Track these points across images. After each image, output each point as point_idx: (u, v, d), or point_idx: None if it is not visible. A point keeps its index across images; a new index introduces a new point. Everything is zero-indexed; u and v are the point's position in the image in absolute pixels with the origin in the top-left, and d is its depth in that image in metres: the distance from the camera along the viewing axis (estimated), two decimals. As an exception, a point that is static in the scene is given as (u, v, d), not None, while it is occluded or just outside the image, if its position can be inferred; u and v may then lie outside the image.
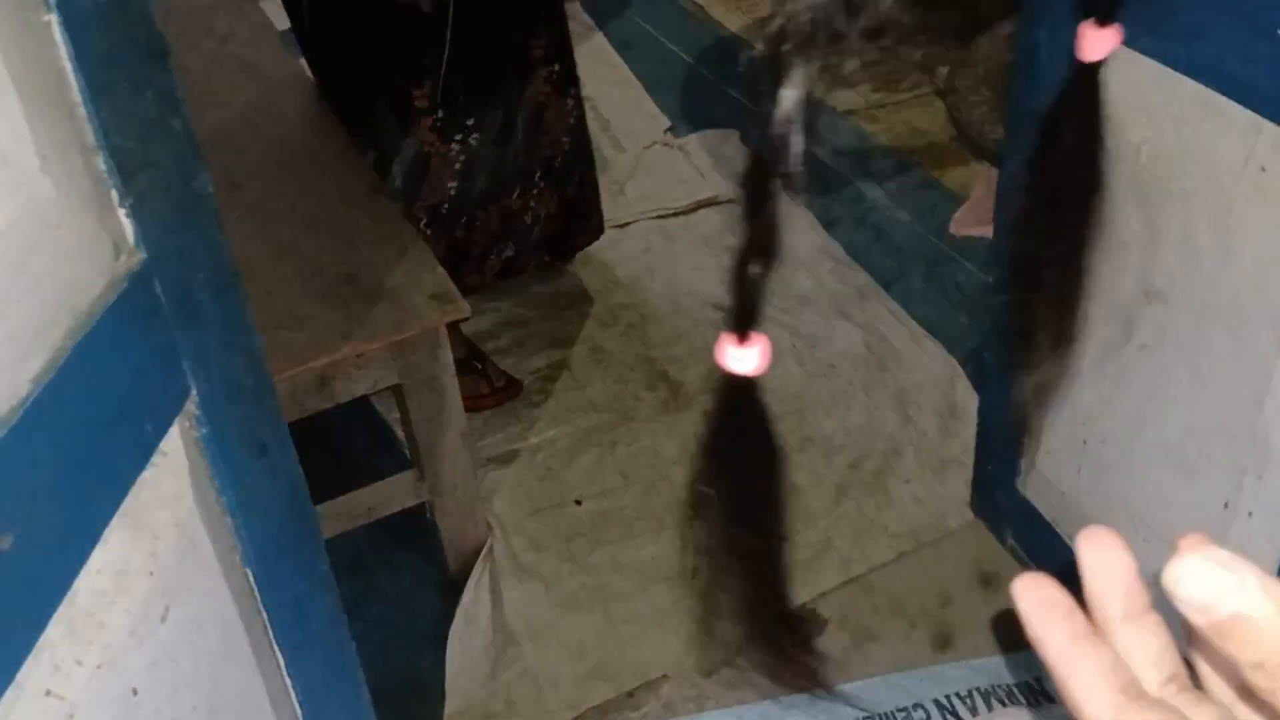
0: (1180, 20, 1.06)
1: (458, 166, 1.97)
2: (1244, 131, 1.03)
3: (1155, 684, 0.36)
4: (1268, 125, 1.01)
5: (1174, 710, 0.35)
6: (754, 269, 0.43)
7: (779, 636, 0.52)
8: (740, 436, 0.47)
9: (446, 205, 1.99)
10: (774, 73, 0.40)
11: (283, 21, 2.09)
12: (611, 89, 3.04)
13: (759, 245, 0.42)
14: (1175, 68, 1.09)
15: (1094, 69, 0.54)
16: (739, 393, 0.47)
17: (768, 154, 0.43)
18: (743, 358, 0.47)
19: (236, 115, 1.95)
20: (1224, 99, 1.05)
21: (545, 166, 2.10)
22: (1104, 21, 0.53)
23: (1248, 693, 0.35)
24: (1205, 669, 0.37)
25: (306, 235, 1.71)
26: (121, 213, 0.69)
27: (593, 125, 2.93)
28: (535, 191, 2.11)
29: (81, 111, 0.66)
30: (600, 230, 2.32)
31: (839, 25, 0.39)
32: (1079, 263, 0.56)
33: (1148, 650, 0.37)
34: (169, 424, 0.76)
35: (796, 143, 0.43)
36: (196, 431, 0.79)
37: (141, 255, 0.71)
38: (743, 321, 0.46)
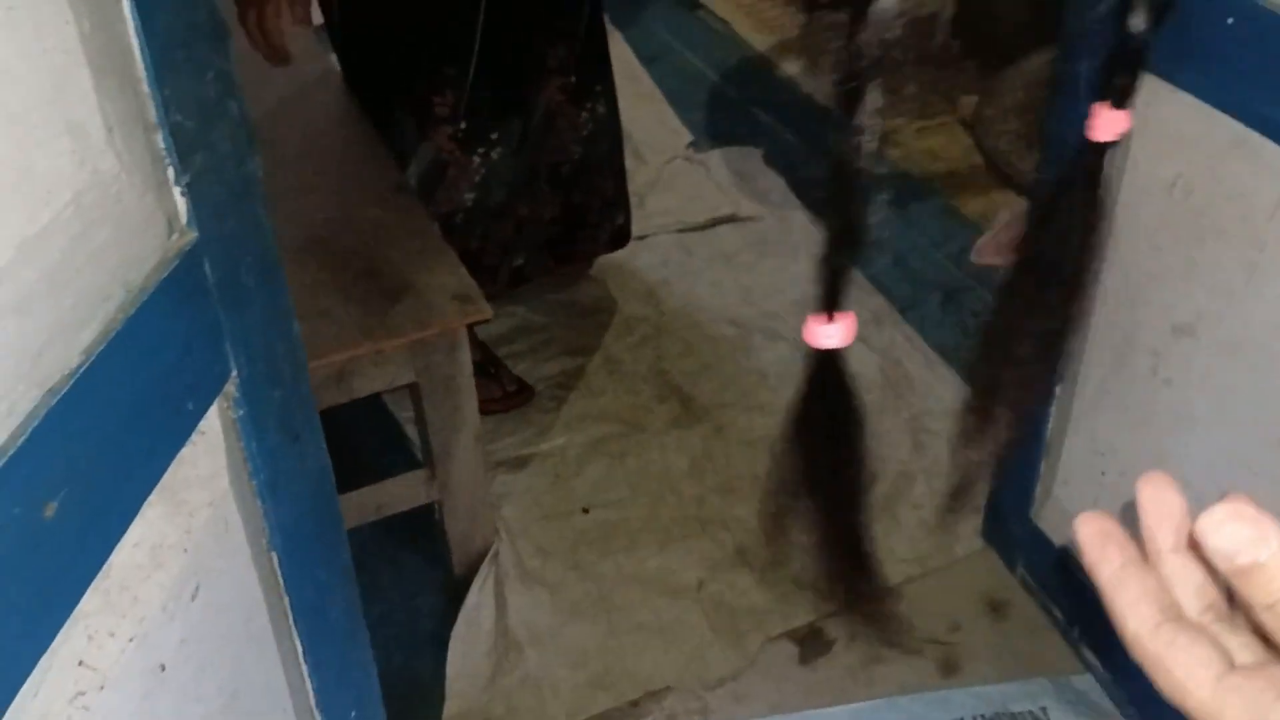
0: (1218, 57, 1.07)
1: (477, 179, 1.96)
2: (1278, 171, 1.04)
3: (1195, 611, 0.40)
4: (1304, 166, 1.02)
5: (1207, 632, 0.38)
6: (839, 259, 0.47)
7: (855, 572, 0.58)
8: (828, 401, 0.55)
9: (461, 215, 1.97)
10: (850, 89, 0.45)
11: (318, 16, 2.10)
12: (635, 101, 3.05)
13: (843, 238, 0.48)
14: (1212, 104, 1.09)
15: (1101, 150, 0.56)
16: (826, 364, 0.55)
17: (848, 156, 0.47)
18: (830, 334, 0.55)
19: (266, 108, 1.96)
20: (1260, 137, 1.06)
21: (551, 172, 2.08)
22: (1119, 105, 0.56)
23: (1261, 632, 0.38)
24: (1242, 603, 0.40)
25: (331, 230, 1.72)
26: (177, 191, 0.70)
27: (614, 136, 2.95)
28: (541, 196, 2.09)
29: (145, 89, 0.66)
30: (614, 244, 2.29)
31: (902, 52, 0.46)
32: (1056, 345, 0.60)
33: (1190, 581, 0.40)
34: (209, 403, 0.76)
35: (870, 145, 0.48)
36: (234, 413, 0.79)
37: (194, 234, 0.72)
38: (829, 304, 0.54)
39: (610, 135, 2.15)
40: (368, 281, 1.63)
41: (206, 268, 0.73)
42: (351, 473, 1.75)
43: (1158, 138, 1.15)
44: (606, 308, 2.37)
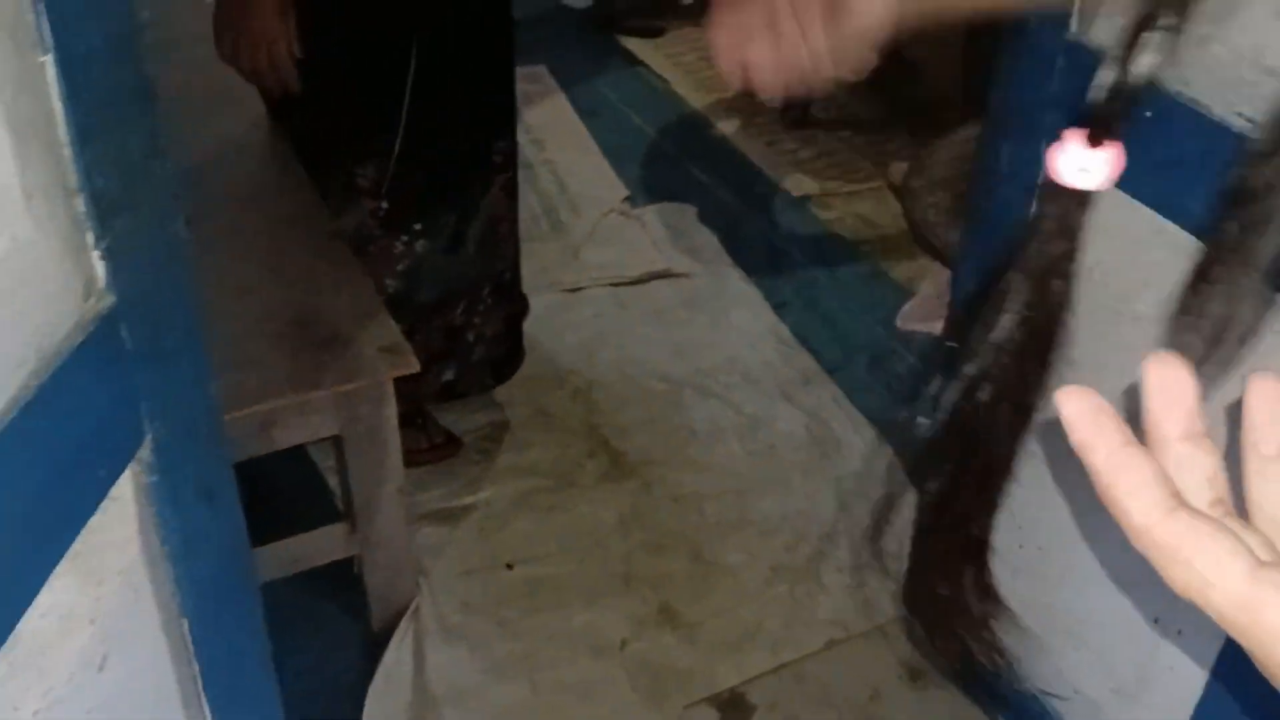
0: (1136, 149, 1.10)
1: (400, 268, 1.88)
2: (1193, 261, 1.07)
3: (1203, 504, 0.36)
4: (1216, 257, 1.05)
5: (1221, 524, 0.34)
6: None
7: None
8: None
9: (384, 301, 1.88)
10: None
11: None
12: (573, 154, 3.07)
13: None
14: (1130, 194, 1.13)
15: (1070, 200, 0.43)
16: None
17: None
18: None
19: (203, 150, 1.94)
20: (1176, 228, 1.09)
21: (494, 282, 2.00)
22: (1100, 137, 0.41)
23: None
24: (1256, 499, 0.37)
25: (261, 276, 1.69)
26: (95, 255, 0.69)
27: (552, 189, 2.96)
28: (482, 308, 2.00)
29: (67, 152, 0.65)
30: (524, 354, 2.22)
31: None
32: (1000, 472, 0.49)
33: (1199, 471, 0.37)
34: (122, 469, 0.75)
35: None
36: (147, 478, 0.77)
37: (111, 299, 0.70)
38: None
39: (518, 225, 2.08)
40: (296, 331, 1.61)
41: (124, 332, 0.72)
42: (271, 524, 1.71)
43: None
44: (537, 359, 2.37)
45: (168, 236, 0.76)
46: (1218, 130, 1.00)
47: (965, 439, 0.46)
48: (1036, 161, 1.19)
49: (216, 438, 0.87)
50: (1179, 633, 1.14)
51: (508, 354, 2.14)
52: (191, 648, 0.86)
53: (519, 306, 2.13)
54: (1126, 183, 1.13)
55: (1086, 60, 1.10)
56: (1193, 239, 1.06)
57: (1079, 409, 0.37)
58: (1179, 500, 0.35)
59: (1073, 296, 0.46)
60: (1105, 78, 0.39)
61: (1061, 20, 1.10)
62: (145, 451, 0.77)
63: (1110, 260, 1.17)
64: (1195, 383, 0.38)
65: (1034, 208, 0.41)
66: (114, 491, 0.75)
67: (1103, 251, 1.17)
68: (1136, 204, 1.10)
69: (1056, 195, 0.41)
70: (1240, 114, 1.00)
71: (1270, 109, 0.96)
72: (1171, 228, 1.07)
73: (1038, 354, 0.46)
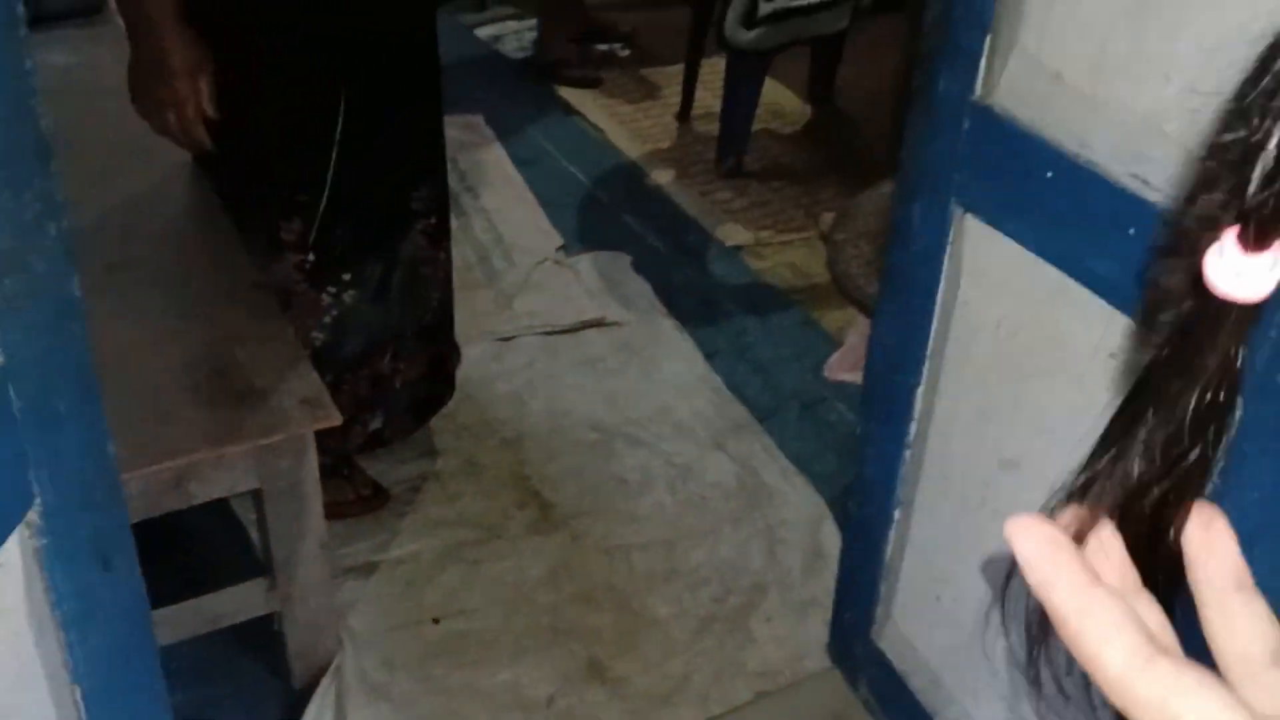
0: (1040, 209, 1.14)
1: (326, 320, 1.86)
2: (1096, 319, 1.10)
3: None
4: (1118, 315, 1.07)
5: (1210, 673, 0.32)
6: None
7: None
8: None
9: (309, 355, 1.82)
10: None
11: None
12: (508, 203, 3.08)
13: None
14: (1035, 252, 1.16)
15: (1229, 315, 0.35)
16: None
17: None
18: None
19: (125, 197, 1.92)
20: (1078, 285, 1.12)
21: (416, 325, 1.99)
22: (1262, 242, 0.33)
23: None
24: (1219, 637, 0.34)
25: (182, 326, 1.67)
26: (-17, 316, 0.68)
27: (486, 237, 2.96)
28: (406, 354, 1.99)
29: (-46, 212, 0.64)
30: (453, 390, 2.22)
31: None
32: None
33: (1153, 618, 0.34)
34: (9, 532, 0.73)
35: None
36: (37, 541, 0.76)
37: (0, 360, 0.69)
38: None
39: (451, 277, 2.08)
40: (214, 383, 1.59)
41: (11, 393, 0.71)
42: (189, 580, 1.68)
43: (987, 281, 1.20)
44: (467, 409, 2.35)
45: (60, 297, 0.75)
46: (1117, 193, 1.03)
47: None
48: (945, 221, 1.22)
49: (114, 501, 0.85)
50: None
51: (428, 397, 2.13)
52: (84, 717, 0.84)
53: (443, 349, 2.13)
54: (1031, 240, 1.15)
55: (989, 123, 1.13)
56: (1095, 296, 1.08)
57: (1036, 545, 0.34)
58: (1156, 646, 0.32)
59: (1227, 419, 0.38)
60: (1269, 170, 0.32)
61: (967, 83, 1.13)
62: (34, 514, 0.75)
63: (1017, 316, 1.19)
64: (1230, 539, 0.35)
65: (1186, 316, 0.36)
66: (1, 556, 0.73)
67: (1009, 307, 1.20)
68: (1041, 262, 1.13)
69: (1209, 307, 0.35)
70: (1137, 176, 1.02)
71: (1172, 182, 0.99)
72: (1074, 285, 1.10)
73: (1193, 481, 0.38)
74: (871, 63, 3.45)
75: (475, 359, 2.39)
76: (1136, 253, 1.00)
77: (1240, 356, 0.35)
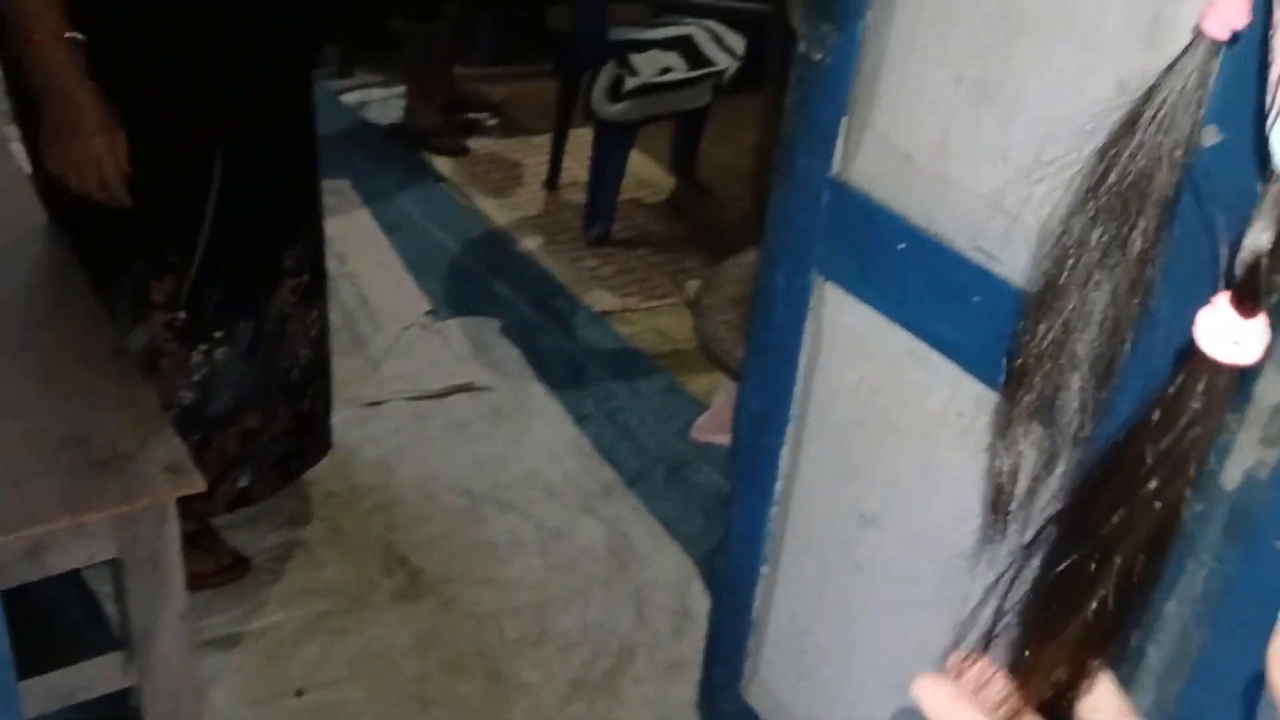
0: (892, 277, 1.21)
1: (196, 378, 1.84)
2: (946, 380, 1.17)
3: None
4: (966, 377, 1.15)
5: None
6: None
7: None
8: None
9: (176, 415, 1.82)
10: None
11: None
12: (375, 268, 3.08)
13: None
14: (889, 317, 1.23)
15: (1214, 374, 0.36)
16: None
17: None
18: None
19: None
20: (929, 349, 1.19)
21: (282, 381, 1.98)
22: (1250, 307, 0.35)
23: None
24: None
25: (39, 392, 1.62)
26: None
27: (353, 302, 2.94)
28: (275, 410, 1.98)
29: None
30: (328, 446, 2.22)
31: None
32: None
33: None
34: None
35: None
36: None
37: None
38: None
39: (326, 337, 2.09)
40: (73, 449, 1.54)
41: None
42: (43, 654, 1.61)
43: (846, 345, 1.27)
44: (334, 475, 2.33)
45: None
46: (963, 264, 1.10)
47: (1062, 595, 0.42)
48: (807, 289, 1.28)
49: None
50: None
51: (297, 453, 2.11)
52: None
53: (314, 407, 2.11)
54: (886, 307, 1.22)
55: (846, 199, 1.20)
56: (945, 360, 1.15)
57: (938, 702, 0.38)
58: None
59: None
60: (1259, 238, 0.35)
61: (825, 161, 1.20)
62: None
63: (874, 378, 1.26)
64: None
65: (1173, 382, 0.37)
66: None
67: (868, 370, 1.27)
68: (896, 327, 1.20)
69: (1201, 370, 0.36)
70: (981, 249, 1.10)
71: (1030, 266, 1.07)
72: (926, 349, 1.17)
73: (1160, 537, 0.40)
74: (731, 137, 3.58)
75: (342, 425, 2.37)
76: (982, 320, 1.08)
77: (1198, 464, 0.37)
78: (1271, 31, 0.39)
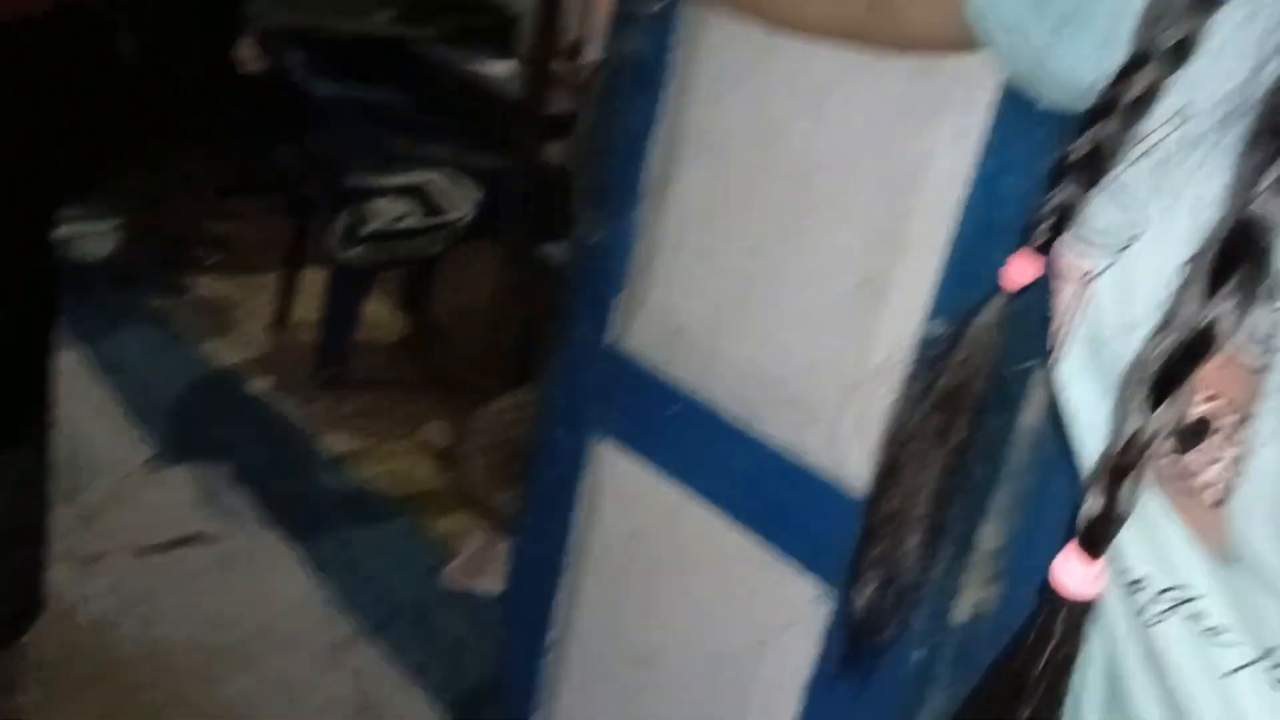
0: (664, 435, 1.32)
1: None
2: (714, 529, 1.28)
3: None
4: (733, 527, 1.26)
5: None
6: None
7: None
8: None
9: None
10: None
11: None
12: (90, 412, 2.91)
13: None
14: (662, 469, 1.33)
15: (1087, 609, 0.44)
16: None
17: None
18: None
19: None
20: (699, 501, 1.30)
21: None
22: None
23: None
24: None
25: None
26: None
27: (63, 451, 2.76)
28: None
29: None
30: (43, 605, 2.07)
31: None
32: None
33: None
34: None
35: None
36: None
37: None
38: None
39: (42, 484, 1.96)
40: None
41: None
42: None
43: (622, 498, 1.37)
44: (48, 639, 2.16)
45: None
46: (731, 431, 1.23)
47: None
48: (583, 446, 1.37)
49: None
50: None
51: (13, 615, 1.95)
52: None
53: (19, 563, 1.95)
54: (659, 463, 1.33)
55: (622, 365, 1.31)
56: (713, 511, 1.27)
57: None
58: None
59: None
60: (1095, 504, 0.42)
61: (602, 329, 1.31)
62: None
63: (648, 528, 1.36)
64: None
65: (1036, 618, 0.45)
66: None
67: (641, 520, 1.37)
68: (668, 480, 1.30)
69: (1061, 605, 0.44)
70: (746, 416, 1.23)
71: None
72: (693, 500, 1.28)
73: None
74: (464, 281, 3.67)
75: (55, 583, 2.21)
76: (749, 479, 1.21)
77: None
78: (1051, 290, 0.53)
